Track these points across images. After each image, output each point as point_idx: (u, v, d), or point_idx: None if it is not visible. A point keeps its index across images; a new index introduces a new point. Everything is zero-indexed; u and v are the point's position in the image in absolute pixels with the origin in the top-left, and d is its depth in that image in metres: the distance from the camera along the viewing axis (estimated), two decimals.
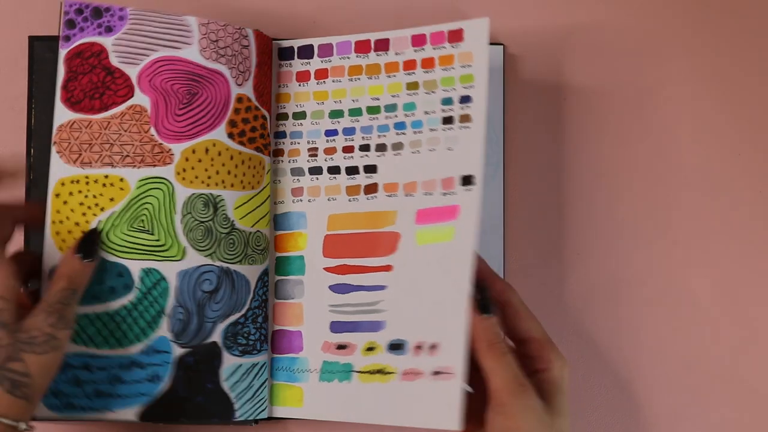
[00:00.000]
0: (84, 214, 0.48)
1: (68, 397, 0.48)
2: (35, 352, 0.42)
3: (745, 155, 0.57)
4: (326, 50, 0.53)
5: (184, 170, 0.49)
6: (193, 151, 0.49)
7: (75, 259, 0.46)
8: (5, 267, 0.43)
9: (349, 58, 0.53)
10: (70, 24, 0.49)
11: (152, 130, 0.49)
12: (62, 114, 0.48)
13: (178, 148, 0.49)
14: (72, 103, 0.49)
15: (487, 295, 0.46)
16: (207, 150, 0.49)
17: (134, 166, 0.49)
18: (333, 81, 0.53)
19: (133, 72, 0.49)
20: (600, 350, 0.56)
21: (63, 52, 0.49)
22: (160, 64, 0.49)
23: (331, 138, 0.53)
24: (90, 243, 0.47)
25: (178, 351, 0.49)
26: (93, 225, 0.48)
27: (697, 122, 0.57)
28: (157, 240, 0.49)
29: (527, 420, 0.43)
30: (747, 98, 0.58)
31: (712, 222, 0.57)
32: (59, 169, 0.48)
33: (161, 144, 0.49)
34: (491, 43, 0.56)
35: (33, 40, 0.54)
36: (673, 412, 0.56)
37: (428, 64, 0.51)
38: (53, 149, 0.48)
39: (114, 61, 0.49)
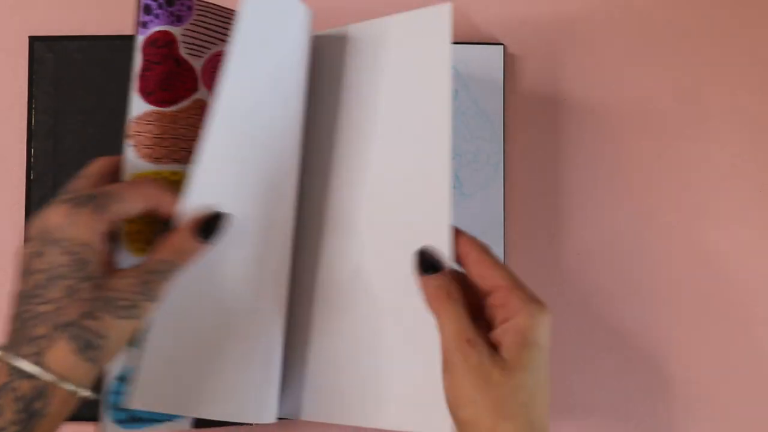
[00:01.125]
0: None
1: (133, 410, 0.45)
2: (116, 315, 0.37)
3: (746, 155, 0.57)
4: None
5: None
6: None
7: (192, 237, 0.42)
8: (100, 218, 0.38)
9: None
10: (147, 9, 0.46)
11: None
12: (138, 105, 0.45)
13: None
14: (146, 94, 0.45)
15: (429, 257, 0.42)
16: None
17: None
18: None
19: (197, 65, 0.47)
20: (600, 349, 0.56)
21: (140, 39, 0.45)
22: (220, 58, 0.48)
23: None
24: (214, 225, 0.43)
25: None
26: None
27: (699, 121, 0.57)
28: None
29: (469, 377, 0.38)
30: (755, 97, 0.57)
31: (712, 222, 0.57)
32: (134, 162, 0.45)
33: None
34: (491, 43, 0.56)
35: (33, 40, 0.54)
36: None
37: None
38: (129, 142, 0.45)
39: (182, 52, 0.47)
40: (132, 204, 0.40)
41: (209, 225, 0.42)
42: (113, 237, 0.42)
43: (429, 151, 0.45)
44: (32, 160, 0.54)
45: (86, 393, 0.37)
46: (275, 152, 0.46)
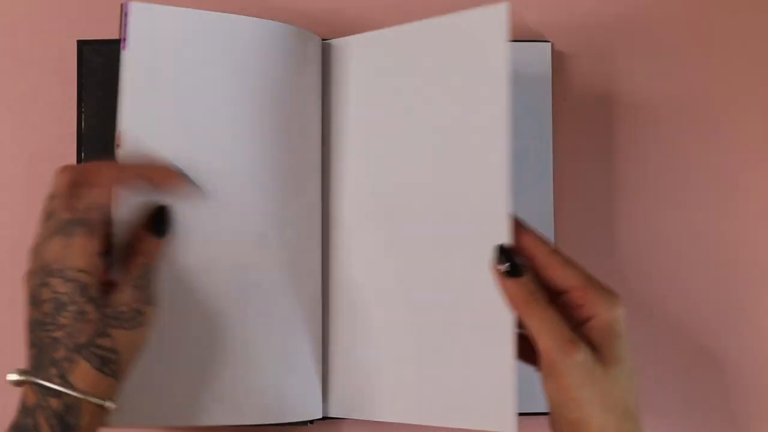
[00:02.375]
0: None
1: None
2: (123, 327, 0.41)
3: None
4: None
5: None
6: None
7: (148, 237, 0.45)
8: (91, 242, 0.41)
9: None
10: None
11: None
12: None
13: None
14: None
15: (511, 257, 0.42)
16: None
17: None
18: None
19: None
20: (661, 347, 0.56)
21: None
22: None
23: None
24: (162, 219, 0.46)
25: None
26: None
27: (755, 121, 0.57)
28: None
29: (576, 377, 0.40)
30: None
31: (764, 223, 0.57)
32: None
33: None
34: (538, 41, 0.56)
35: (82, 44, 0.54)
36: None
37: None
38: (118, 151, 0.47)
39: None
40: (108, 201, 0.44)
41: (158, 219, 0.45)
42: (108, 250, 0.44)
43: (489, 148, 0.45)
44: None
45: (113, 405, 0.40)
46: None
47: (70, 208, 0.42)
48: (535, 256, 0.43)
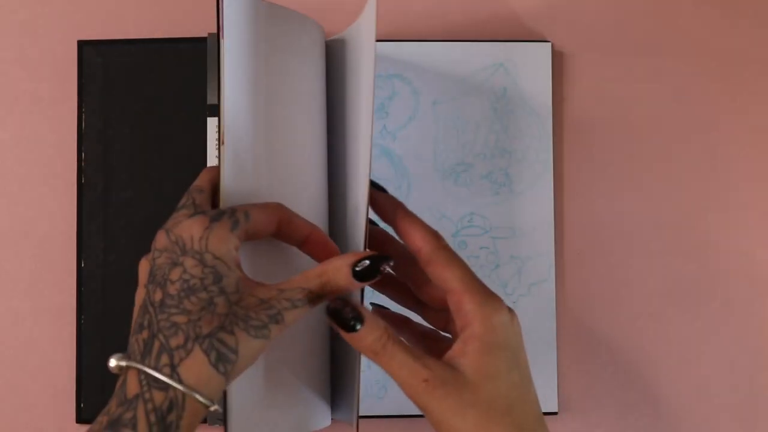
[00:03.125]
0: None
1: None
2: (248, 332, 0.36)
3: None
4: None
5: None
6: None
7: (348, 272, 0.39)
8: (234, 238, 0.37)
9: None
10: None
11: None
12: None
13: None
14: None
15: (345, 313, 0.39)
16: None
17: None
18: None
19: None
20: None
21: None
22: None
23: None
24: (374, 269, 0.39)
25: None
26: None
27: (758, 124, 0.58)
28: None
29: (443, 411, 0.37)
30: None
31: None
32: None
33: None
34: (538, 41, 0.56)
35: (82, 44, 0.54)
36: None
37: None
38: (223, 148, 0.42)
39: None
40: (264, 224, 0.39)
41: (370, 267, 0.39)
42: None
43: (361, 144, 0.43)
44: (82, 164, 0.54)
45: (215, 407, 0.36)
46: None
47: (207, 200, 0.40)
48: (421, 250, 0.40)
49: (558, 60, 0.57)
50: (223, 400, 0.41)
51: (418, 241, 0.40)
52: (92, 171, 0.54)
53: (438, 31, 0.57)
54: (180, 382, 0.34)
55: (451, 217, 0.55)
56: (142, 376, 0.34)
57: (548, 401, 0.54)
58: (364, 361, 0.53)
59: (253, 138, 0.42)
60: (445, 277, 0.40)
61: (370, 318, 0.39)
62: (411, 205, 0.52)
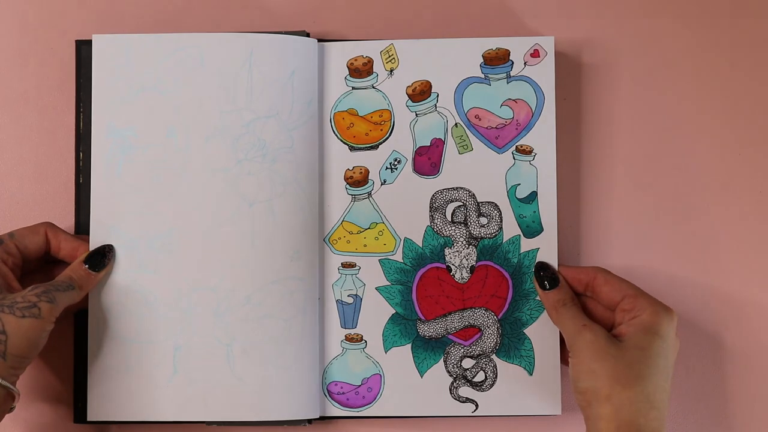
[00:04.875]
0: None
1: None
2: (13, 314, 0.45)
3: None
4: None
5: None
6: None
7: (81, 267, 0.50)
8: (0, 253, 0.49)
9: None
10: None
11: None
12: None
13: None
14: None
15: (546, 273, 0.52)
16: None
17: None
18: None
19: None
20: None
21: None
22: None
23: None
24: (99, 257, 0.51)
25: None
26: None
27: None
28: None
29: (588, 352, 0.47)
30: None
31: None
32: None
33: None
34: (539, 36, 0.56)
35: (80, 44, 0.55)
36: None
37: None
38: None
39: None
40: (31, 238, 0.50)
41: (96, 258, 0.51)
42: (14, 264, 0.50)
43: None
44: (80, 163, 0.54)
45: (4, 383, 0.45)
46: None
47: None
48: (596, 279, 0.51)
49: (559, 60, 0.56)
50: None
51: (591, 273, 0.52)
52: (90, 170, 0.54)
53: (438, 29, 0.57)
54: None
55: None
56: None
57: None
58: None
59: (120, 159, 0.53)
60: (621, 287, 0.50)
61: (563, 283, 0.52)
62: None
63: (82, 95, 0.54)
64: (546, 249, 0.54)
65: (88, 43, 0.54)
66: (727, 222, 0.56)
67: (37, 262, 0.52)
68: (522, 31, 0.57)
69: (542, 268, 0.53)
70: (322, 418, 0.53)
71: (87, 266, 0.50)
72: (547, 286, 0.52)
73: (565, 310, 0.50)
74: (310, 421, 0.53)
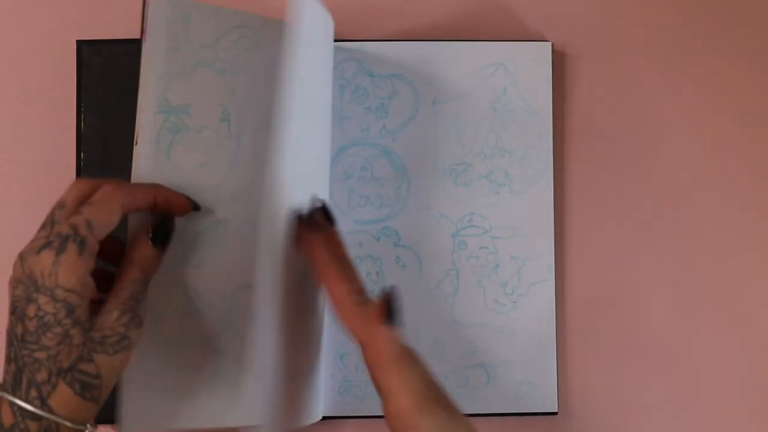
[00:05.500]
0: None
1: None
2: (107, 352, 0.40)
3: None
4: None
5: None
6: None
7: (147, 246, 0.44)
8: (82, 260, 0.40)
9: None
10: None
11: None
12: None
13: None
14: None
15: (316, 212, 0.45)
16: None
17: None
18: None
19: None
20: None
21: None
22: None
23: None
24: (164, 231, 0.45)
25: None
26: None
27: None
28: None
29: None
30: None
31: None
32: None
33: None
34: (537, 40, 0.56)
35: (81, 44, 0.54)
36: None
37: None
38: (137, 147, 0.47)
39: None
40: (107, 218, 0.41)
41: (159, 230, 0.45)
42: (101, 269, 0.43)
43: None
44: (82, 164, 0.54)
45: (91, 428, 0.40)
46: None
47: (69, 222, 0.41)
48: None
49: (558, 59, 0.57)
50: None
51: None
52: (92, 171, 0.54)
53: (437, 30, 0.57)
54: (51, 412, 0.38)
55: (451, 217, 0.55)
56: (15, 408, 0.38)
57: (548, 401, 0.54)
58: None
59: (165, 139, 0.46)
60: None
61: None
62: (410, 205, 0.53)
63: (83, 95, 0.54)
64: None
65: (88, 43, 0.54)
66: (724, 214, 0.57)
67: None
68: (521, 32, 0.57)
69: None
70: (324, 418, 0.54)
71: (152, 243, 0.44)
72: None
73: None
74: None
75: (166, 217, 0.45)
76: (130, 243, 0.44)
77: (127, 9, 0.56)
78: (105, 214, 0.41)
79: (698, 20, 0.58)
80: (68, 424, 0.39)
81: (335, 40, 0.55)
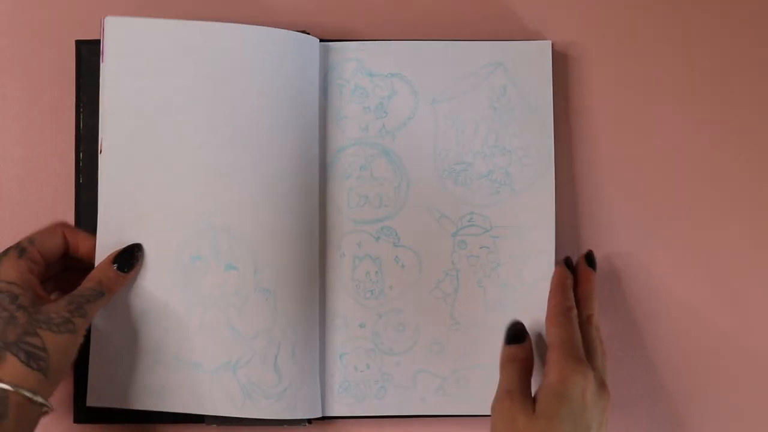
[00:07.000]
0: None
1: None
2: (51, 330, 0.44)
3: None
4: None
5: None
6: None
7: (110, 268, 0.49)
8: (24, 263, 0.47)
9: None
10: None
11: None
12: None
13: None
14: None
15: (515, 328, 0.51)
16: None
17: None
18: None
19: None
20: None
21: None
22: None
23: None
24: (128, 256, 0.50)
25: None
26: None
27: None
28: None
29: (500, 423, 0.47)
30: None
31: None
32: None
33: None
34: (537, 40, 0.56)
35: (80, 44, 0.54)
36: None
37: None
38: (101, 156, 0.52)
39: None
40: (49, 241, 0.49)
41: (124, 254, 0.50)
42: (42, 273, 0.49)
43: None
44: (81, 164, 0.54)
45: (41, 400, 0.43)
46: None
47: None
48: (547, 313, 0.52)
49: (559, 59, 0.57)
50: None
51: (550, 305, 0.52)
52: (91, 171, 0.54)
53: (437, 30, 0.57)
54: (1, 380, 0.42)
55: (451, 217, 0.55)
56: None
57: None
58: (365, 360, 0.53)
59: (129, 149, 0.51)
60: (550, 333, 0.50)
61: (524, 343, 0.51)
62: (410, 205, 0.53)
63: (82, 95, 0.54)
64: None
65: (88, 43, 0.54)
66: (724, 215, 0.57)
67: (57, 266, 0.51)
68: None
69: (515, 322, 0.51)
70: (323, 418, 0.53)
71: (116, 267, 0.49)
72: (508, 340, 0.51)
73: (508, 367, 0.49)
74: (310, 421, 0.53)
75: (134, 245, 0.50)
76: (96, 263, 0.50)
77: (127, 9, 0.56)
78: (46, 233, 0.49)
79: (699, 20, 0.57)
80: (16, 389, 0.42)
81: (335, 40, 0.55)
